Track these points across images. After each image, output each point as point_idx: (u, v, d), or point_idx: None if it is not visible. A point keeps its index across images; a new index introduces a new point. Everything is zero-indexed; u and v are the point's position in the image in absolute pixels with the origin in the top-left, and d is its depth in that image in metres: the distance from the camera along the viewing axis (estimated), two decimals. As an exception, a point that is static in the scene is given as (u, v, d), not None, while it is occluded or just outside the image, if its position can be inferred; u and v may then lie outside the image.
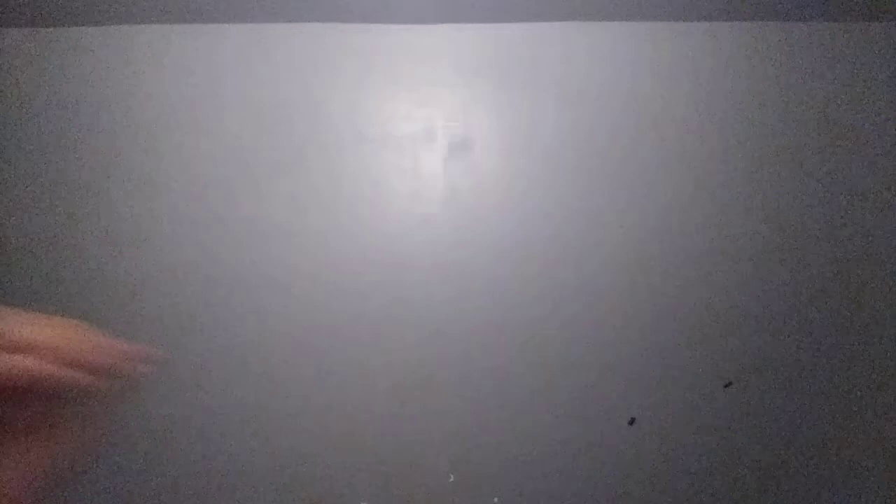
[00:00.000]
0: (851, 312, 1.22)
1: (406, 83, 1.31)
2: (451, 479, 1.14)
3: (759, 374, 1.19)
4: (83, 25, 1.29)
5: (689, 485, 1.15)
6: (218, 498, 1.12)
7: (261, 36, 1.31)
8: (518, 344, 1.20)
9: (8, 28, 1.28)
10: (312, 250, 1.22)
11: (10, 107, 1.25)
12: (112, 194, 1.23)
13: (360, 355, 1.18)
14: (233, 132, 1.27)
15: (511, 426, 1.17)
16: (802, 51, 1.31)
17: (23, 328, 0.22)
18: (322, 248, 1.22)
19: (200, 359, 1.17)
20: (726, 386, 1.18)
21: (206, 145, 1.26)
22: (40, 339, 0.22)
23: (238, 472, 1.13)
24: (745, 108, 1.29)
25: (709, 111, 1.29)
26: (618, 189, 1.26)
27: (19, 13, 1.24)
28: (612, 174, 1.27)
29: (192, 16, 1.28)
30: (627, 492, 1.16)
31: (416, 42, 1.32)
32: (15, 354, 0.21)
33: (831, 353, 1.20)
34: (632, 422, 1.11)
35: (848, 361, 1.20)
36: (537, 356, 1.19)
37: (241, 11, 1.27)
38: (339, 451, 1.14)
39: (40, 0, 1.20)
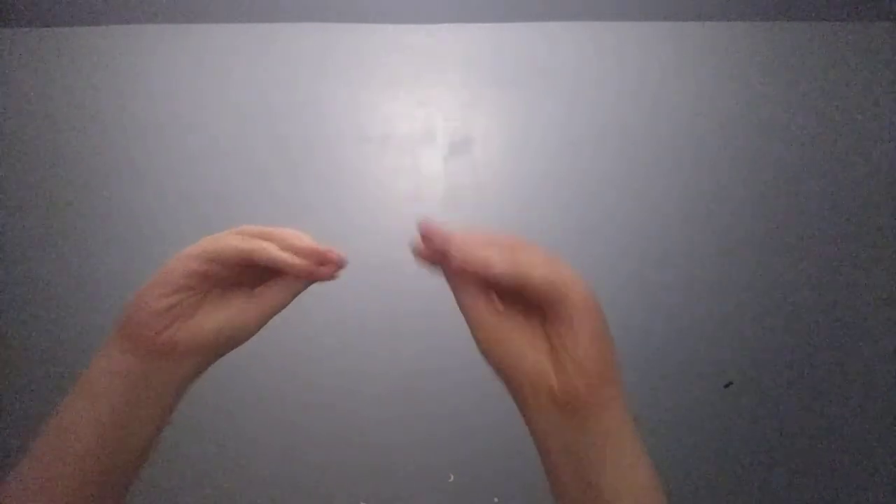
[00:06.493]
0: (851, 312, 1.22)
1: (406, 83, 1.31)
2: (451, 479, 1.14)
3: (759, 374, 1.19)
4: (83, 25, 1.29)
5: (688, 485, 1.15)
6: (218, 498, 1.12)
7: (262, 36, 1.31)
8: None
9: (8, 28, 1.28)
10: (312, 250, 1.21)
11: (10, 107, 1.25)
12: (111, 193, 1.23)
13: (359, 354, 1.18)
14: (233, 131, 1.27)
15: (511, 426, 1.17)
16: (802, 51, 1.31)
17: (262, 229, 0.34)
18: (322, 248, 1.22)
19: (200, 359, 1.16)
20: (726, 386, 1.18)
21: (206, 145, 1.26)
22: (275, 234, 0.33)
23: (238, 472, 1.13)
24: (745, 107, 1.29)
25: (709, 111, 1.29)
26: (617, 188, 1.26)
27: (19, 13, 1.24)
28: (612, 174, 1.27)
29: (192, 16, 1.28)
30: (627, 492, 1.15)
31: (416, 42, 1.32)
32: (263, 241, 0.33)
33: (832, 352, 1.20)
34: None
35: (848, 361, 1.20)
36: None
37: (241, 11, 1.27)
38: (339, 451, 1.14)
39: (40, 0, 1.20)
